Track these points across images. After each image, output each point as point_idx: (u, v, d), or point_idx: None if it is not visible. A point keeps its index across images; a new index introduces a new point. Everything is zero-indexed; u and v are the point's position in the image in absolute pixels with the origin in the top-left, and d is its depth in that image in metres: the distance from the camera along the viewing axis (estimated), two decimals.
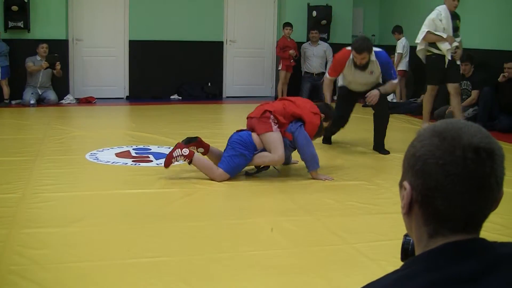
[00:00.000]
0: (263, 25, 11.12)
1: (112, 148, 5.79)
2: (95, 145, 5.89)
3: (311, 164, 4.58)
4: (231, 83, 11.11)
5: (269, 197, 4.26)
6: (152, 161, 5.29)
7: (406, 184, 1.03)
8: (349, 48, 5.60)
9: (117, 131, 6.94)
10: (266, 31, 11.15)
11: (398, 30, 10.12)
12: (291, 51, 10.20)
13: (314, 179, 4.63)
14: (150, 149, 5.81)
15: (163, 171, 4.80)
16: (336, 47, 10.85)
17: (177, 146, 4.55)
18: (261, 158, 4.58)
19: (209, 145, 4.78)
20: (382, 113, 5.78)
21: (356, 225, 3.64)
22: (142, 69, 10.37)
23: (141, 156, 5.45)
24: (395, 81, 5.63)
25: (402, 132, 7.20)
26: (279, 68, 10.47)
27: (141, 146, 5.95)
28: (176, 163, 4.55)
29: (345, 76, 5.77)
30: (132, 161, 5.26)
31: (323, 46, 10.74)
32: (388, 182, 4.74)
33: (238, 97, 10.89)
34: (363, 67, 5.51)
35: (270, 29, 11.12)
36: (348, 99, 5.93)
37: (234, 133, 4.71)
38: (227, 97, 11.06)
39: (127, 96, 10.46)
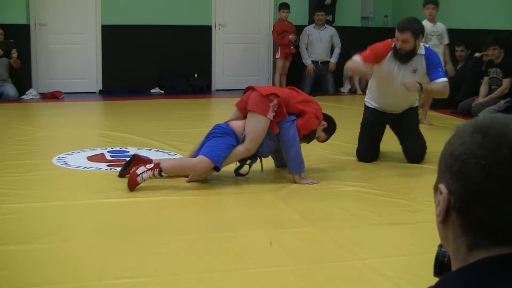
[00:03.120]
0: (257, 6, 11.13)
1: (84, 151, 5.78)
2: (64, 148, 5.88)
3: (294, 165, 4.62)
4: (221, 74, 11.12)
5: (265, 205, 4.25)
6: None
7: (442, 187, 1.02)
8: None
9: (89, 131, 6.94)
10: (261, 14, 11.16)
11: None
12: (290, 36, 10.22)
13: (296, 183, 4.64)
14: (128, 152, 5.80)
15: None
16: (344, 32, 10.93)
17: (136, 163, 4.62)
18: (233, 156, 4.62)
19: (151, 160, 4.71)
20: (416, 146, 5.36)
21: (369, 237, 3.64)
22: (118, 58, 10.36)
23: (118, 160, 5.44)
24: (443, 80, 5.06)
25: (430, 129, 7.23)
26: (277, 57, 10.49)
27: (117, 148, 5.94)
28: (142, 182, 4.44)
29: (379, 82, 5.29)
30: (107, 165, 5.26)
31: (329, 31, 10.77)
32: (407, 186, 4.75)
33: (229, 90, 10.89)
34: (404, 58, 5.05)
35: (266, 11, 11.12)
36: (375, 129, 5.44)
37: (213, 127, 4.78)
38: (216, 90, 11.07)
39: (100, 90, 10.45)
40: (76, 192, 4.45)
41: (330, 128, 4.99)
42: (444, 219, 1.03)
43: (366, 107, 5.53)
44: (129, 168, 4.72)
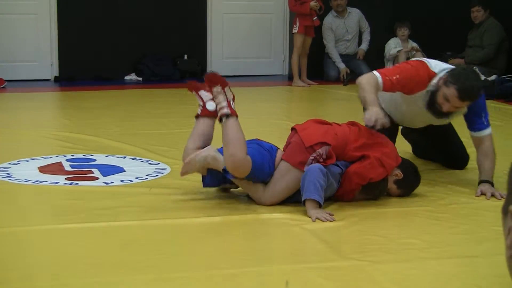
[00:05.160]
0: None
1: (34, 159, 5.82)
2: (6, 155, 5.93)
3: (308, 189, 4.50)
4: (219, 56, 11.17)
5: (281, 233, 4.28)
6: (97, 178, 5.32)
7: None
8: (434, 67, 5.11)
9: (41, 132, 6.98)
10: None
11: None
12: (312, 3, 10.27)
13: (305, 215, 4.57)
14: (94, 160, 5.85)
15: (114, 194, 4.82)
16: (369, 17, 10.98)
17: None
18: (249, 186, 4.66)
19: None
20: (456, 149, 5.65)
21: (419, 275, 3.66)
22: (80, 35, 10.41)
23: (80, 171, 5.49)
24: (488, 133, 5.20)
25: (493, 129, 7.23)
26: (294, 31, 10.54)
27: (80, 156, 5.98)
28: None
29: (400, 102, 5.36)
30: (66, 178, 5.30)
31: (356, 15, 10.90)
32: (467, 207, 4.77)
33: (231, 77, 10.90)
34: (443, 115, 5.07)
35: None
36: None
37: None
38: None
39: (56, 77, 10.51)
40: (25, 215, 4.48)
41: (407, 181, 4.88)
42: None
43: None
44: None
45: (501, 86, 9.54)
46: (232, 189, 4.92)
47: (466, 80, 4.89)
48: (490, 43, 10.47)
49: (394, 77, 5.01)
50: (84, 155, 6.01)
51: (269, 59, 11.31)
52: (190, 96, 9.62)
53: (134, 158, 5.91)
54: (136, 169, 5.55)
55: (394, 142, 5.48)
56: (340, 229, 4.30)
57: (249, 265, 3.73)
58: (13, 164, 5.68)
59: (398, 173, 4.82)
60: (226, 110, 4.69)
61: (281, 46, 11.43)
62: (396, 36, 11.22)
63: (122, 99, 8.99)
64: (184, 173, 4.73)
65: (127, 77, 10.65)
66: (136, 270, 3.63)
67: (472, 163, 5.59)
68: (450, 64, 10.10)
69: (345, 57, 10.99)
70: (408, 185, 4.93)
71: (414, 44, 11.21)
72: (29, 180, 5.23)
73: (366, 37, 11.02)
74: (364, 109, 4.96)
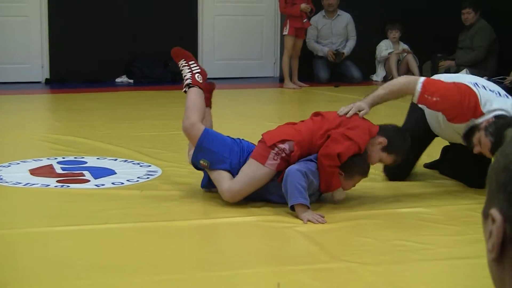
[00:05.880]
0: None
1: (25, 162, 5.81)
2: None
3: (292, 194, 4.48)
4: (210, 58, 11.17)
5: (270, 233, 4.29)
6: (88, 180, 5.31)
7: (495, 213, 1.04)
8: (483, 105, 4.79)
9: (32, 134, 6.97)
10: None
11: None
12: (303, 5, 10.26)
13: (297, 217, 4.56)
14: (85, 163, 5.84)
15: (105, 196, 4.82)
16: (360, 19, 11.02)
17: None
18: (217, 178, 4.70)
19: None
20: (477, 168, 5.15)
21: (412, 277, 3.67)
22: (71, 37, 10.40)
23: (71, 174, 5.48)
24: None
25: None
26: (285, 33, 10.55)
27: (71, 158, 5.98)
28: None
29: (440, 119, 5.14)
30: (58, 181, 5.29)
31: (344, 19, 10.91)
32: (459, 209, 4.78)
33: (222, 79, 10.94)
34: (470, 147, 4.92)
35: None
36: (421, 139, 5.33)
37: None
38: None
39: (47, 80, 10.50)
40: (16, 218, 4.48)
41: (395, 145, 4.75)
42: (499, 256, 1.04)
43: (414, 108, 5.38)
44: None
45: None
46: None
47: (503, 138, 4.63)
48: (481, 45, 10.52)
49: (434, 99, 4.79)
50: (75, 158, 6.00)
51: (260, 61, 11.32)
52: (180, 98, 9.61)
53: (125, 161, 5.90)
54: (127, 172, 5.54)
55: (423, 150, 5.44)
56: (332, 231, 4.30)
57: (241, 267, 3.74)
58: (4, 166, 5.67)
59: (382, 140, 4.70)
60: (188, 81, 4.98)
61: (272, 48, 11.44)
62: (387, 38, 11.25)
63: (114, 101, 8.98)
64: None
65: (118, 79, 10.64)
66: (128, 273, 3.63)
67: None
68: (441, 66, 10.00)
69: (325, 60, 10.97)
70: (397, 149, 4.76)
71: (405, 46, 11.23)
72: (20, 183, 5.22)
73: (350, 43, 11.02)
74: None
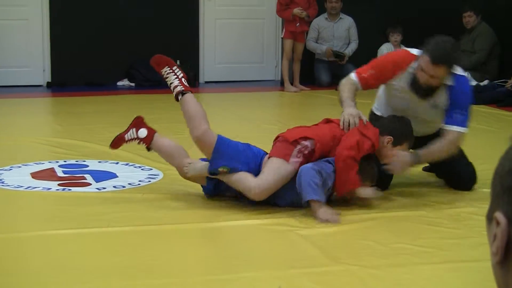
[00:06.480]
0: None
1: (27, 165, 5.81)
2: None
3: (306, 191, 4.51)
4: (211, 62, 11.18)
5: (273, 237, 4.29)
6: (89, 184, 5.32)
7: (499, 216, 1.04)
8: (414, 51, 5.06)
9: (34, 138, 6.97)
10: None
11: None
12: (296, 10, 10.22)
13: (314, 216, 4.57)
14: (87, 166, 5.85)
15: (106, 200, 4.82)
16: (362, 22, 11.03)
17: (133, 124, 5.08)
18: (238, 178, 4.66)
19: (154, 132, 5.11)
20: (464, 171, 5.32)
21: (411, 280, 3.67)
22: (72, 41, 10.41)
23: (73, 177, 5.48)
24: (457, 130, 4.95)
25: (485, 135, 7.26)
26: (282, 36, 10.57)
27: (73, 162, 5.98)
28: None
29: (390, 100, 5.25)
30: (59, 184, 5.30)
31: (347, 22, 10.91)
32: (462, 211, 4.79)
33: (222, 83, 10.95)
34: (424, 93, 4.95)
35: None
36: None
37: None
38: (206, 82, 11.12)
39: (48, 83, 10.51)
40: (18, 221, 4.48)
41: (401, 135, 4.85)
42: (503, 259, 1.04)
43: (375, 116, 5.37)
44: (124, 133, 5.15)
45: (493, 91, 9.58)
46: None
47: (438, 44, 4.87)
48: (482, 48, 10.51)
49: (368, 73, 5.06)
50: (76, 161, 6.01)
51: (261, 64, 11.32)
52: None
53: (126, 164, 5.90)
54: (129, 175, 5.55)
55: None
56: (333, 235, 4.31)
57: (243, 270, 3.74)
58: (5, 170, 5.67)
59: (388, 139, 4.80)
60: (180, 88, 4.88)
61: (273, 52, 11.44)
62: (388, 42, 11.24)
63: (115, 105, 8.98)
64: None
65: (119, 83, 10.64)
66: (129, 276, 3.63)
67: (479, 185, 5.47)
68: None
69: (333, 63, 10.96)
70: (405, 136, 4.88)
71: None
72: (22, 186, 5.23)
73: (352, 46, 11.02)
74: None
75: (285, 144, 4.71)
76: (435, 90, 4.94)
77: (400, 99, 5.11)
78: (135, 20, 10.59)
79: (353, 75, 5.11)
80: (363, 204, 4.74)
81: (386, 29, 11.26)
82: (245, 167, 4.65)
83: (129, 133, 5.08)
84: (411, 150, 4.98)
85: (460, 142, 5.03)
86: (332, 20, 10.88)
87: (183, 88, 4.88)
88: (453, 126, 4.94)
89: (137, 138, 5.03)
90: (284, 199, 4.68)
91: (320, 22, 10.84)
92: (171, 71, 4.98)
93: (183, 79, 4.94)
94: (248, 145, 4.86)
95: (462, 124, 4.97)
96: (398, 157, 4.85)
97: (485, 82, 10.09)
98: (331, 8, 10.78)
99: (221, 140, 4.69)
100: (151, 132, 5.03)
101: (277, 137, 4.86)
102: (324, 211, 4.47)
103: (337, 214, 4.52)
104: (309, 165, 4.56)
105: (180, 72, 4.98)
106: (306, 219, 4.55)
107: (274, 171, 4.63)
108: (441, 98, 4.98)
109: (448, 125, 4.97)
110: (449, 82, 4.94)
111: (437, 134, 5.09)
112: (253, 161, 4.71)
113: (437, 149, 4.96)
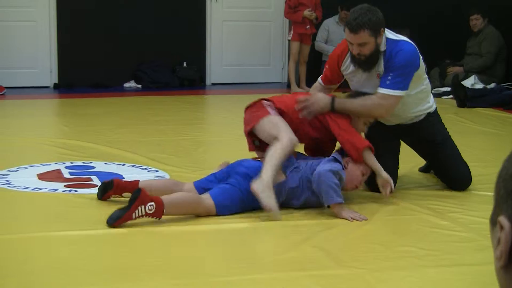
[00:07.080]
0: None
1: (33, 167, 5.83)
2: (6, 162, 5.93)
3: (327, 194, 4.55)
4: (218, 63, 11.18)
5: (278, 240, 4.30)
6: (96, 185, 5.31)
7: (503, 220, 1.04)
8: None
9: (40, 139, 6.99)
10: None
11: None
12: (306, 12, 10.22)
13: (337, 216, 4.62)
14: (93, 167, 5.85)
15: (114, 201, 4.83)
16: None
17: (138, 202, 4.28)
18: (270, 157, 4.62)
19: (137, 182, 4.75)
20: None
21: (416, 283, 3.67)
22: (79, 42, 10.43)
23: (79, 179, 5.49)
24: (383, 92, 4.91)
25: (491, 138, 7.24)
26: (289, 38, 10.56)
27: (79, 163, 5.99)
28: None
29: (353, 87, 5.25)
30: (65, 186, 5.31)
31: None
32: (467, 214, 4.78)
33: (229, 85, 10.95)
34: (366, 65, 4.92)
35: None
36: (385, 145, 5.22)
37: (240, 161, 4.80)
38: (212, 84, 11.12)
39: (55, 84, 10.53)
40: (24, 222, 4.49)
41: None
42: (508, 263, 1.04)
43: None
44: (108, 193, 4.79)
45: (500, 94, 9.57)
46: None
47: (353, 13, 4.95)
48: (489, 51, 10.50)
49: (325, 69, 5.33)
50: (83, 162, 6.01)
51: (268, 67, 11.32)
52: (188, 103, 9.63)
53: (133, 166, 5.91)
54: (135, 177, 5.53)
55: (396, 155, 5.37)
56: (338, 237, 4.31)
57: (248, 272, 3.75)
58: (12, 171, 5.68)
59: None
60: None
61: (280, 54, 11.44)
62: None
63: (121, 106, 9.00)
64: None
65: (126, 84, 10.66)
66: (134, 277, 3.64)
67: (476, 185, 5.43)
68: (449, 72, 9.96)
69: None
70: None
71: None
72: (28, 187, 5.24)
73: None
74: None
75: (251, 109, 4.91)
76: (374, 59, 4.94)
77: (356, 82, 5.16)
78: (142, 22, 10.60)
79: (319, 80, 5.39)
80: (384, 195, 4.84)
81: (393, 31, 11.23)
82: (246, 183, 4.61)
83: (137, 211, 4.28)
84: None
85: (388, 105, 4.95)
86: (342, 24, 10.85)
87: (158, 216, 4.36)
88: (381, 89, 4.93)
89: (147, 214, 4.29)
90: (299, 199, 4.71)
91: (331, 24, 10.83)
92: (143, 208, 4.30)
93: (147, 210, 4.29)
94: (246, 171, 4.71)
95: (390, 86, 4.91)
96: (313, 96, 5.02)
97: (492, 85, 10.08)
98: (342, 17, 10.76)
99: (220, 205, 4.57)
100: (160, 203, 4.34)
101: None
102: (348, 211, 4.61)
103: (364, 216, 4.63)
104: (324, 167, 4.61)
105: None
106: (310, 221, 4.56)
107: (274, 125, 4.76)
108: (380, 66, 4.98)
109: (378, 88, 4.95)
110: (383, 47, 4.97)
111: (425, 118, 5.22)
112: (252, 172, 4.66)
113: (357, 103, 4.98)
